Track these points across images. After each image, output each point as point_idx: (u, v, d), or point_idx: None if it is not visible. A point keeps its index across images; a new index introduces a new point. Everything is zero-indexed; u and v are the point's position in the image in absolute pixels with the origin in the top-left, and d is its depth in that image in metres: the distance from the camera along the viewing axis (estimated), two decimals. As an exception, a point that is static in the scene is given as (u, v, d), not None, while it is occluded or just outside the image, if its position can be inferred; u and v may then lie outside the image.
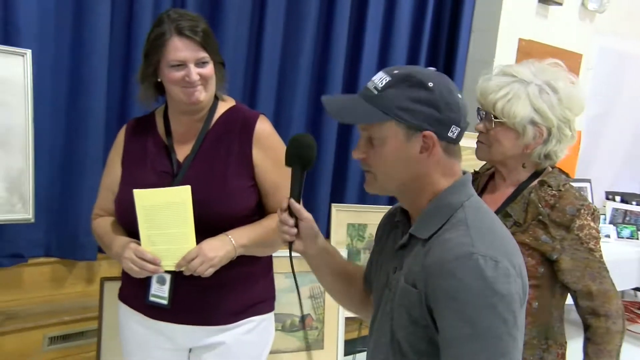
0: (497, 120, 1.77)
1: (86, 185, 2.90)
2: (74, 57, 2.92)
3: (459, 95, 1.28)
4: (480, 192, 1.95)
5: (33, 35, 2.71)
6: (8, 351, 2.71)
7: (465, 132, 1.30)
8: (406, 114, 1.25)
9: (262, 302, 2.02)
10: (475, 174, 2.04)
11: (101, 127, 2.96)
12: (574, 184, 1.89)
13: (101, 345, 2.49)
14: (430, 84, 1.24)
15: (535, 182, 1.84)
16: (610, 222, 4.90)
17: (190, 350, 2.02)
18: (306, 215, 1.49)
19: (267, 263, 2.02)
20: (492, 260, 1.17)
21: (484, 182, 1.99)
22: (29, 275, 2.98)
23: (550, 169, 1.86)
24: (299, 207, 1.48)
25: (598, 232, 1.80)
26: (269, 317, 2.03)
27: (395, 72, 1.28)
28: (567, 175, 1.90)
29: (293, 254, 1.48)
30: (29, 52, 2.30)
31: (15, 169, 2.24)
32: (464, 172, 1.35)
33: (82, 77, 2.92)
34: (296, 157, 1.48)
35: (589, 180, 4.93)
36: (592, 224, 1.78)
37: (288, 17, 3.59)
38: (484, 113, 1.83)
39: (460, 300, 1.17)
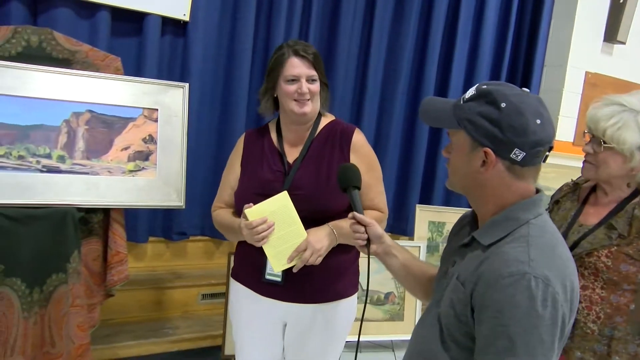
0: (606, 145, 1.80)
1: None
2: (224, 88, 3.47)
3: (537, 122, 1.21)
4: (582, 203, 2.00)
5: (198, 73, 3.32)
6: (175, 300, 3.36)
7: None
8: (471, 127, 1.25)
9: (352, 284, 2.15)
10: (575, 185, 2.08)
11: (240, 140, 3.33)
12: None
13: (228, 304, 2.70)
14: (503, 105, 1.21)
15: (638, 198, 1.86)
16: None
17: (285, 324, 2.13)
18: (369, 221, 1.61)
19: (356, 252, 2.12)
20: (543, 283, 1.14)
21: (585, 194, 2.01)
22: (190, 248, 3.59)
23: None
24: (363, 217, 1.62)
25: None
26: (355, 297, 2.16)
27: (483, 87, 1.27)
28: None
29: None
30: (186, 85, 2.64)
31: (173, 170, 2.54)
32: (538, 191, 1.32)
33: (230, 103, 3.45)
34: (354, 179, 1.72)
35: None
36: None
37: (388, 54, 4.06)
38: (592, 136, 1.86)
39: (505, 315, 1.15)
